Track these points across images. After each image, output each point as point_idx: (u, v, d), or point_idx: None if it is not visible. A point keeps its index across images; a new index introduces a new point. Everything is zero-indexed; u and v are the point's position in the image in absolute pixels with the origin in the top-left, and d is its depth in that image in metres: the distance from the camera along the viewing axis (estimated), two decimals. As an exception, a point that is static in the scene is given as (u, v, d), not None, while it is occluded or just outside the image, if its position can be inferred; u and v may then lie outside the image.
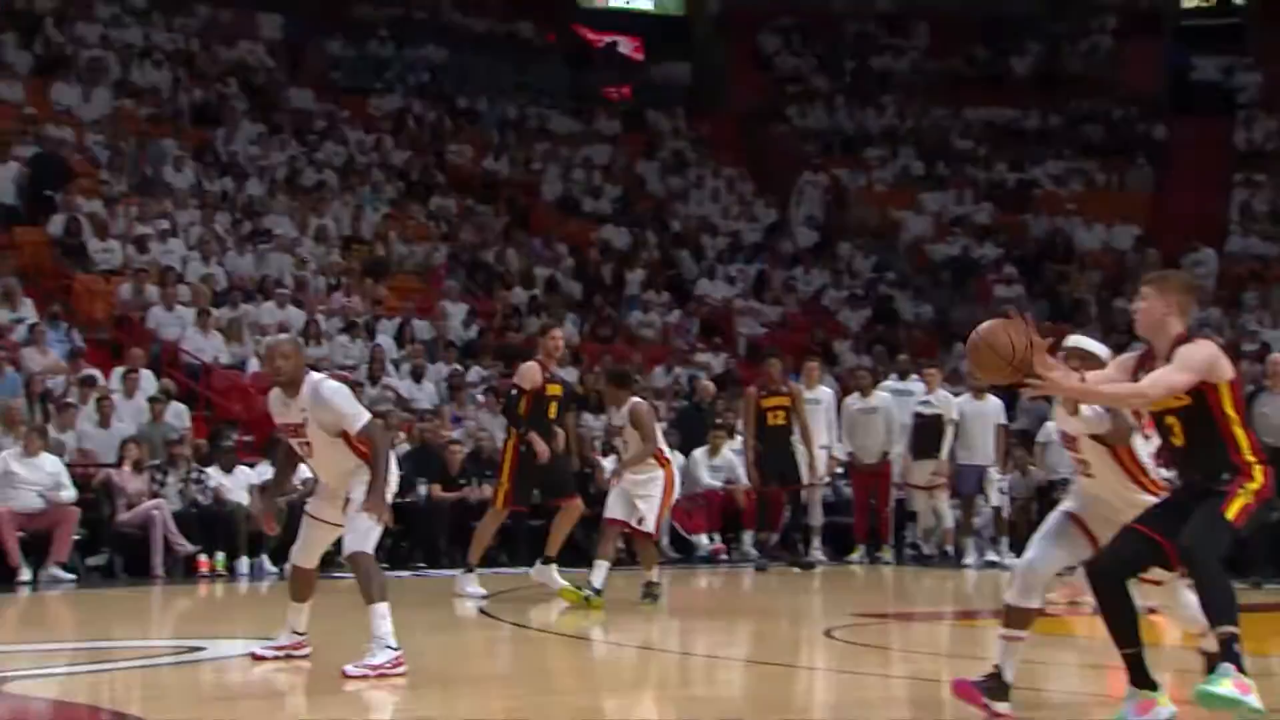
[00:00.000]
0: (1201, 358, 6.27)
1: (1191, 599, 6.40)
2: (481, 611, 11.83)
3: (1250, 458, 6.28)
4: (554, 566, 12.51)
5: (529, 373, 12.30)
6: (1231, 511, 6.15)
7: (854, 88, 31.85)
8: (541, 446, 12.19)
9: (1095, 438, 6.62)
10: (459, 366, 19.99)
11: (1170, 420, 6.35)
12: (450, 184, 26.11)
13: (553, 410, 12.53)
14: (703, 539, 17.20)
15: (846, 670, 9.25)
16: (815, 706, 7.93)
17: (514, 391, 12.43)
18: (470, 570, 12.56)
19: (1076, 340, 6.93)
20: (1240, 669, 5.80)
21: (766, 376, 16.25)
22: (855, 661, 9.53)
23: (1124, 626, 6.36)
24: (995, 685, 6.67)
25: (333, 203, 23.87)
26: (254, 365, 17.90)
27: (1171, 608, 6.90)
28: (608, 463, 16.44)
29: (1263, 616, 11.33)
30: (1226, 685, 5.71)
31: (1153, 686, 6.39)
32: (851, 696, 8.26)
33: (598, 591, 11.74)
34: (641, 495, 12.06)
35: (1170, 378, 6.23)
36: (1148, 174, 29.61)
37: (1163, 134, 30.41)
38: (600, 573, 11.76)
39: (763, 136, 30.97)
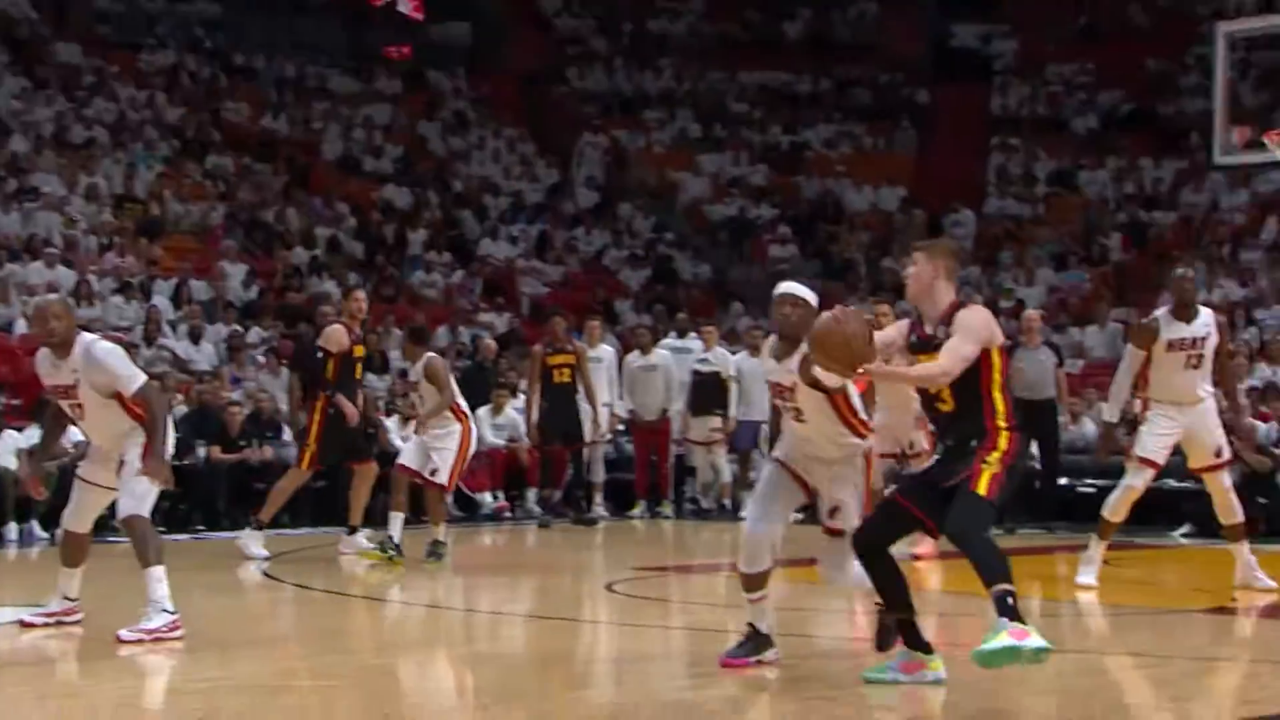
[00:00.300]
0: (980, 324, 6.36)
1: (856, 566, 6.64)
2: (264, 574, 11.60)
3: (1001, 424, 6.33)
4: (360, 534, 12.44)
5: (335, 335, 12.20)
6: (983, 488, 6.20)
7: (632, 50, 31.90)
8: (350, 409, 12.21)
9: (815, 386, 6.62)
10: (238, 327, 19.57)
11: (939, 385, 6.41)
12: (227, 142, 25.50)
13: (358, 372, 12.53)
14: (486, 497, 17.14)
15: (627, 623, 9.30)
16: (597, 659, 7.94)
17: (320, 354, 12.28)
18: (260, 528, 12.35)
19: (789, 287, 6.87)
20: (1018, 619, 5.86)
21: (552, 335, 16.24)
22: (636, 614, 9.59)
23: (895, 593, 6.48)
24: (755, 640, 6.84)
25: (103, 160, 23.17)
26: (21, 327, 17.28)
27: (835, 565, 6.98)
28: (390, 423, 16.33)
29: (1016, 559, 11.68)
30: (1001, 637, 5.78)
31: (926, 650, 6.50)
32: (632, 648, 8.30)
33: (397, 547, 11.78)
34: (437, 448, 12.05)
35: (963, 349, 6.26)
36: (911, 137, 30.23)
37: (925, 99, 31.03)
38: (396, 525, 11.86)
39: (543, 97, 30.88)
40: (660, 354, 17.46)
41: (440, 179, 27.18)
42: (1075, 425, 17.42)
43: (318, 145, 26.89)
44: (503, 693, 6.66)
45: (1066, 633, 8.83)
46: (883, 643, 6.64)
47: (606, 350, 17.34)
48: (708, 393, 17.01)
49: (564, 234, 26.76)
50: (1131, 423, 11.91)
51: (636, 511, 17.25)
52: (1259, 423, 15.71)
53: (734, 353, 17.52)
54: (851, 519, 6.67)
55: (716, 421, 16.97)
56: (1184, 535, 15.13)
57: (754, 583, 6.85)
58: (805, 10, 32.58)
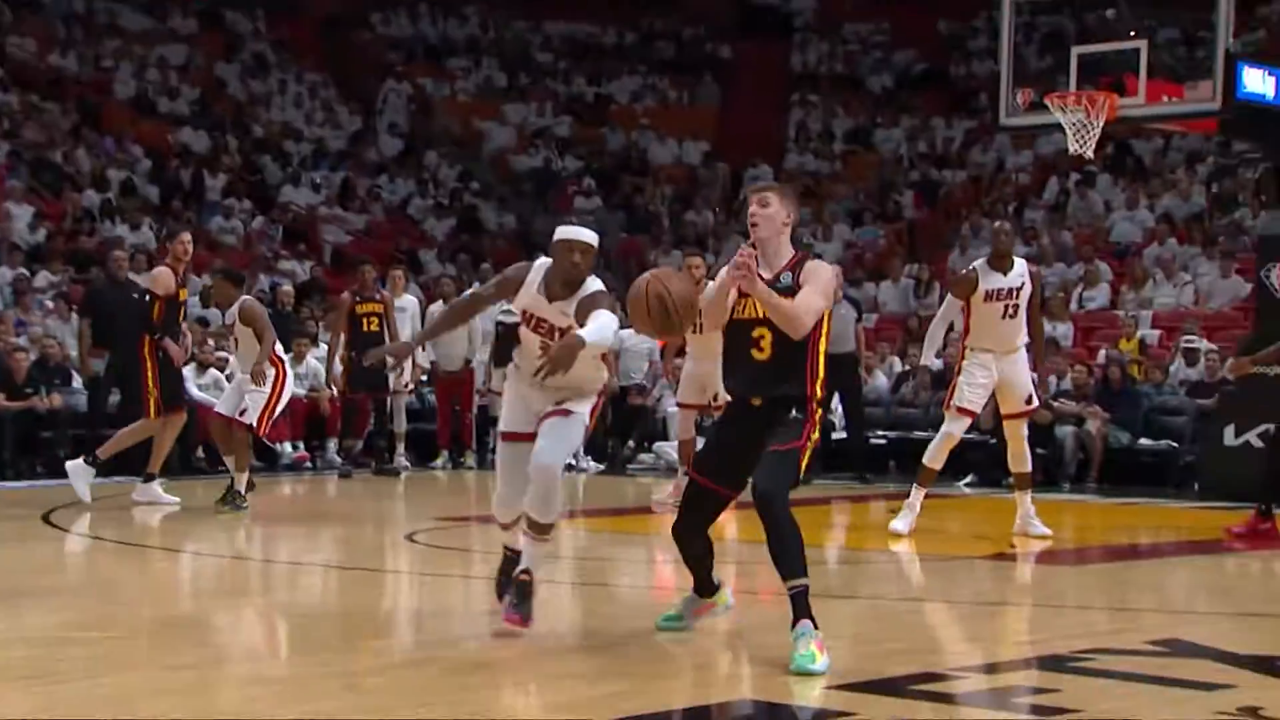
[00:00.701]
0: (828, 279, 6.24)
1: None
2: (51, 523, 11.31)
3: (818, 391, 6.18)
4: (156, 482, 12.25)
5: (163, 278, 11.99)
6: (801, 467, 6.10)
7: (437, -4, 31.65)
8: (176, 350, 12.08)
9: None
10: (25, 271, 19.01)
11: (761, 331, 6.16)
12: (11, 79, 24.66)
13: (183, 316, 12.37)
14: (286, 447, 16.93)
15: (428, 573, 9.28)
16: (398, 610, 7.92)
17: (147, 297, 12.06)
18: (151, 480, 12.24)
19: (576, 233, 6.61)
20: (813, 622, 5.80)
21: (361, 283, 16.07)
22: (436, 564, 9.58)
23: (702, 575, 6.48)
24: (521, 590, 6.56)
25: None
26: None
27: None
28: (188, 371, 16.04)
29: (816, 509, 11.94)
30: (815, 655, 5.67)
31: (714, 591, 6.54)
32: (433, 599, 8.29)
33: (241, 495, 11.96)
34: (249, 390, 11.99)
35: (816, 301, 6.11)
36: (715, 92, 30.48)
37: (728, 54, 31.26)
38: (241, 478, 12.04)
39: (345, 42, 30.42)
40: (464, 304, 17.42)
41: (240, 123, 26.65)
42: (870, 378, 17.79)
43: (109, 84, 26.24)
44: (300, 643, 6.61)
45: (858, 579, 9.04)
46: None
47: (410, 300, 17.25)
48: (511, 344, 16.93)
49: (367, 182, 26.46)
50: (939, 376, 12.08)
51: (439, 462, 17.21)
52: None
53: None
54: (584, 412, 6.59)
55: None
56: (967, 485, 15.57)
57: (539, 530, 6.62)
58: (611, -38, 32.60)
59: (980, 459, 15.62)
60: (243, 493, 11.99)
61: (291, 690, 5.26)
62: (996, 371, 10.59)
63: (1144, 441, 16.19)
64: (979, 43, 28.14)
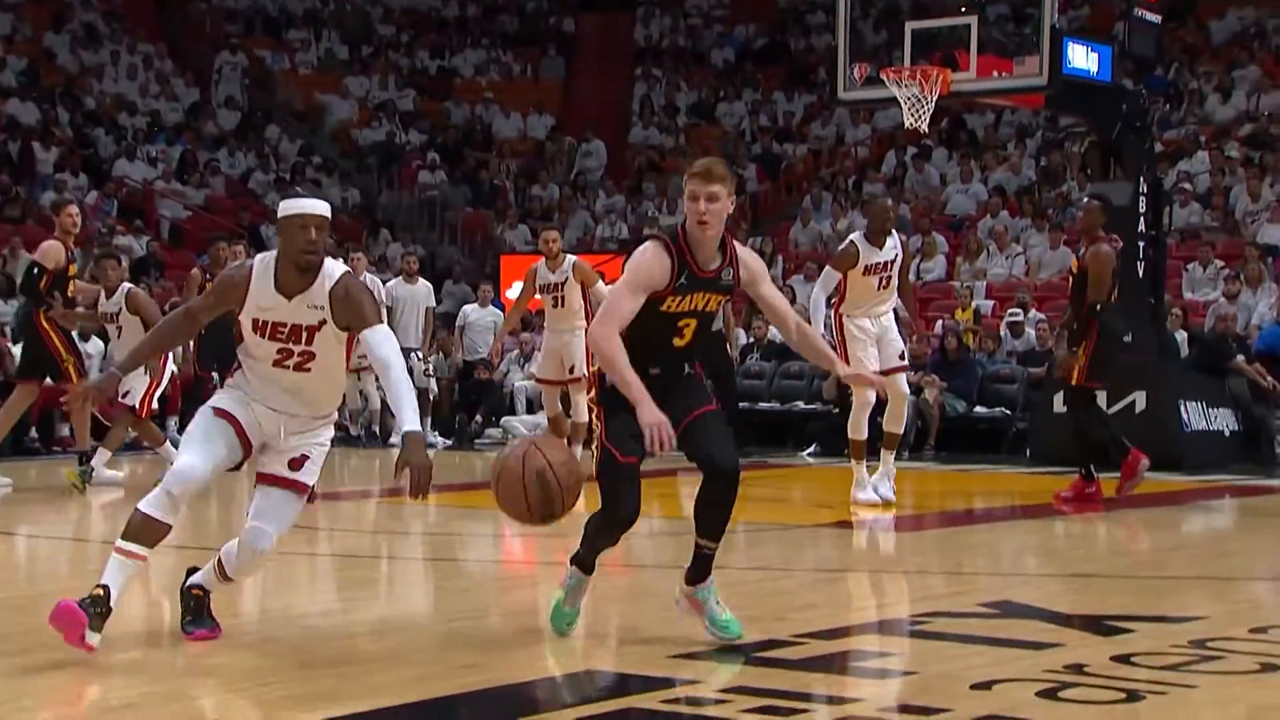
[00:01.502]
0: (762, 261, 6.11)
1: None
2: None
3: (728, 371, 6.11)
4: None
5: (52, 251, 11.83)
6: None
7: (275, -33, 31.14)
8: (70, 322, 11.98)
9: None
10: None
11: (688, 321, 5.84)
12: None
13: (72, 289, 12.09)
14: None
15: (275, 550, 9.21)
16: (241, 587, 7.84)
17: (35, 270, 11.89)
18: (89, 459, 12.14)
19: (312, 206, 5.73)
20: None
21: (212, 259, 15.71)
22: (283, 542, 9.49)
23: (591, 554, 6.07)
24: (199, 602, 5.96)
25: None
26: None
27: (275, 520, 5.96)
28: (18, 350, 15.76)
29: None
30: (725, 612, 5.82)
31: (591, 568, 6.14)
32: (277, 575, 8.24)
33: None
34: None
35: (777, 292, 6.09)
36: (559, 65, 30.38)
37: (571, 27, 31.17)
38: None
39: (180, 13, 29.84)
40: (309, 280, 17.20)
41: (70, 95, 26.03)
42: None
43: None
44: (140, 622, 6.54)
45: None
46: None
47: (373, 281, 16.97)
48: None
49: (205, 155, 26.01)
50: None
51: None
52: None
53: (385, 280, 17.39)
54: (311, 476, 5.88)
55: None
56: (810, 455, 15.79)
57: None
58: (452, -66, 32.33)
59: (822, 430, 15.87)
60: (94, 467, 11.93)
61: (129, 671, 5.20)
62: (873, 333, 10.87)
63: (979, 410, 16.52)
64: (817, 18, 28.39)
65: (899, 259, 10.94)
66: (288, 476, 5.78)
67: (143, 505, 5.49)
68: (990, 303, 19.28)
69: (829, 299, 11.05)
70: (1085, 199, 14.39)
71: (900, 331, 11.15)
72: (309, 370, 5.67)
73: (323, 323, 5.54)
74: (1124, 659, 5.55)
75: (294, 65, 29.28)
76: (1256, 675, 5.39)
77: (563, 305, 12.67)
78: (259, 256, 5.76)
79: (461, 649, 5.82)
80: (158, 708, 4.89)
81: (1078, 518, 10.90)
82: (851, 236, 11.29)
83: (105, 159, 24.78)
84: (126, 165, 24.70)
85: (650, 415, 5.47)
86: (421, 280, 17.28)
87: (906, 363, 11.26)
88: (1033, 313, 17.70)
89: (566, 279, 12.62)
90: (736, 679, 5.38)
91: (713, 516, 5.78)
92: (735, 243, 5.88)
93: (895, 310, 11.16)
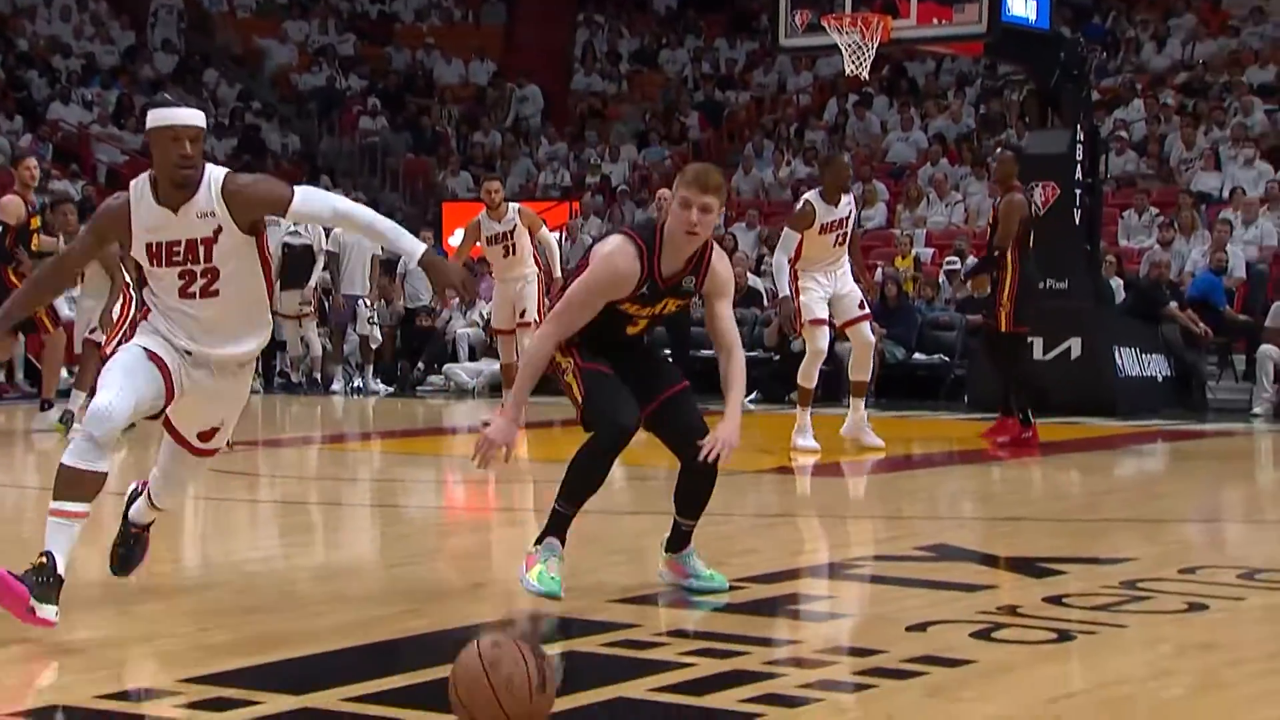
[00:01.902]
0: (731, 280, 5.76)
1: None
2: None
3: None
4: None
5: (12, 206, 11.88)
6: None
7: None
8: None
9: None
10: None
11: (643, 322, 5.74)
12: None
13: (35, 242, 11.99)
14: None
15: (215, 497, 9.18)
16: (184, 533, 7.83)
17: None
18: (49, 406, 12.16)
19: (171, 115, 5.00)
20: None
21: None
22: (223, 488, 9.48)
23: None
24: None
25: None
26: None
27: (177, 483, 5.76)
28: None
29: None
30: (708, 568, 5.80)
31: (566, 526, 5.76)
32: (219, 521, 8.23)
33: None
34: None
35: (730, 314, 5.75)
36: (500, 11, 30.13)
37: None
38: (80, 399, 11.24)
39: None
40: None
41: (3, 36, 25.67)
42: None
43: None
44: (82, 566, 6.52)
45: (644, 495, 9.18)
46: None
47: None
48: (298, 266, 16.73)
49: (142, 100, 25.69)
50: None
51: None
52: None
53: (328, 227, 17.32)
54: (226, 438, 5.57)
55: (307, 294, 16.78)
56: (751, 401, 15.81)
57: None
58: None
59: (762, 376, 15.91)
60: (72, 410, 11.55)
61: (64, 618, 5.16)
62: (828, 286, 10.93)
63: (918, 356, 16.59)
64: (761, -33, 28.31)
65: (852, 215, 11.03)
66: (198, 446, 5.44)
67: (66, 458, 4.90)
68: (930, 250, 19.35)
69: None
70: (999, 150, 14.48)
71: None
72: (217, 294, 5.05)
73: (218, 230, 4.98)
74: (1055, 600, 5.62)
75: (232, 8, 28.97)
76: (1184, 614, 5.48)
77: (514, 254, 12.60)
78: (134, 181, 5.12)
79: (402, 595, 5.83)
80: (95, 653, 4.87)
81: (1014, 463, 11.00)
82: (807, 196, 11.27)
83: (39, 102, 24.47)
84: (61, 108, 24.39)
85: (498, 430, 5.38)
86: None
87: (868, 311, 11.28)
88: (971, 260, 17.77)
89: (515, 226, 12.56)
90: (676, 622, 5.42)
91: (694, 498, 5.74)
92: (716, 250, 5.59)
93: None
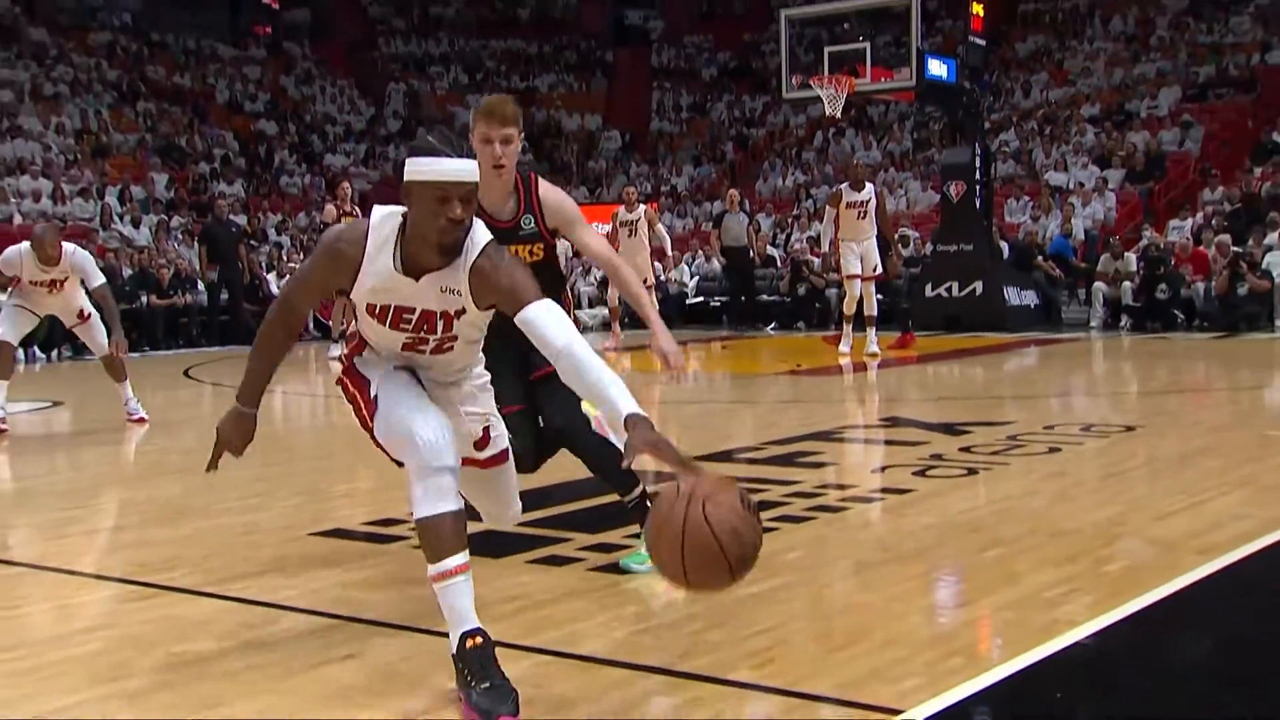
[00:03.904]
0: (574, 208, 3.61)
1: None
2: (186, 375, 10.97)
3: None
4: None
5: (330, 213, 11.39)
6: None
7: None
8: None
9: None
10: (164, 216, 18.57)
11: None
12: (150, 93, 23.45)
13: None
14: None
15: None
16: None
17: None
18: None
19: (439, 170, 2.65)
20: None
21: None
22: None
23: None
24: None
25: (66, 106, 21.33)
26: (17, 220, 16.02)
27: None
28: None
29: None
30: (645, 557, 3.40)
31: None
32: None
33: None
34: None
35: (595, 237, 3.65)
36: (603, 82, 29.70)
37: (610, 57, 30.17)
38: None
39: (362, 58, 29.35)
40: None
41: (296, 115, 25.77)
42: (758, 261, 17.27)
43: (212, 93, 25.21)
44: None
45: (699, 391, 9.05)
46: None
47: None
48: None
49: (380, 149, 25.77)
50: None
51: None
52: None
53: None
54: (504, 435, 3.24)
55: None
56: (771, 329, 15.68)
57: None
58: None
59: (779, 313, 15.78)
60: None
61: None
62: (858, 251, 10.86)
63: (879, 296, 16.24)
64: (770, 46, 27.67)
65: (872, 200, 10.82)
66: (480, 458, 3.01)
67: (421, 513, 2.59)
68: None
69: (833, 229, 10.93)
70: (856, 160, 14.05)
71: (880, 251, 11.07)
72: (451, 349, 2.84)
73: (461, 311, 2.73)
74: (966, 449, 5.59)
75: (434, 89, 28.89)
76: (1046, 455, 5.44)
77: (634, 235, 12.31)
78: (376, 221, 2.71)
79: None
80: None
81: (941, 362, 10.79)
82: (839, 185, 11.22)
83: (318, 153, 24.60)
84: (330, 157, 24.53)
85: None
86: None
87: (878, 273, 11.07)
88: (913, 232, 17.52)
89: (639, 218, 12.36)
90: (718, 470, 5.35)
91: (599, 472, 3.54)
92: (542, 184, 3.54)
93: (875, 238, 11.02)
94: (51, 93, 21.80)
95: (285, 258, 17.32)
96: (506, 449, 3.04)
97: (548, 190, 3.56)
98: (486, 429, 2.97)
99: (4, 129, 19.75)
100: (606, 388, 2.53)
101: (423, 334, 2.76)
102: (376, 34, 29.90)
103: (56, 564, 3.96)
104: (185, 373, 11.42)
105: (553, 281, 3.34)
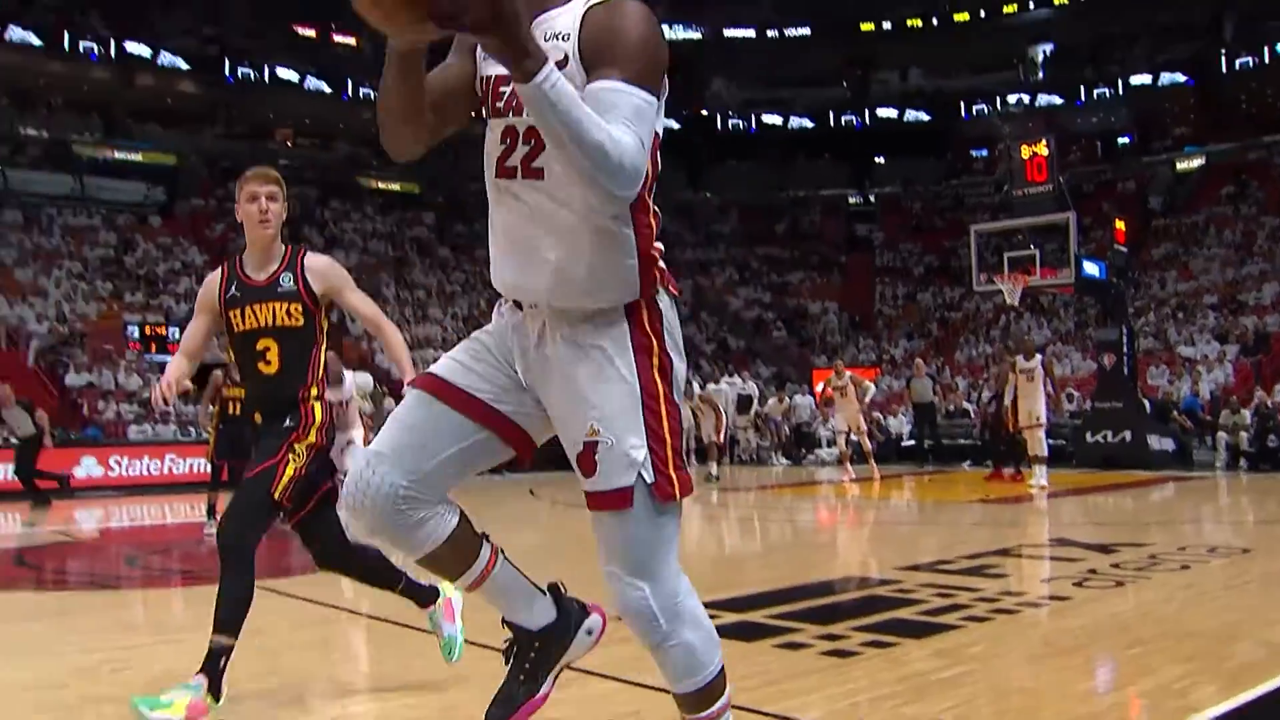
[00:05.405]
0: (345, 272, 2.74)
1: None
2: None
3: (315, 392, 2.66)
4: None
5: None
6: (280, 489, 2.54)
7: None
8: None
9: None
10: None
11: (267, 343, 2.66)
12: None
13: None
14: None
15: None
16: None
17: None
18: None
19: None
20: (213, 691, 2.42)
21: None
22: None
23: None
24: None
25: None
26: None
27: None
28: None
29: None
30: (173, 708, 2.33)
31: (434, 594, 2.78)
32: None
33: None
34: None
35: (364, 301, 2.69)
36: (837, 278, 29.33)
37: (843, 259, 29.84)
38: None
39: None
40: None
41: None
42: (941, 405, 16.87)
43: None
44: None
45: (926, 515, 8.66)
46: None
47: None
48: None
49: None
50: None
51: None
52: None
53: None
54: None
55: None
56: (968, 466, 14.60)
57: None
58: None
59: (972, 452, 14.97)
60: None
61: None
62: (1028, 407, 10.28)
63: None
64: (963, 250, 26.75)
65: (1039, 369, 10.27)
66: (584, 487, 1.52)
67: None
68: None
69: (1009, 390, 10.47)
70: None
71: (1045, 403, 10.15)
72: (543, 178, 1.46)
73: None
74: (1116, 565, 5.09)
75: (714, 284, 28.76)
76: (1180, 570, 4.83)
77: (845, 395, 11.67)
78: None
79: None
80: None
81: (1100, 495, 9.70)
82: (1015, 356, 10.75)
83: None
84: None
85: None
86: None
87: (1041, 423, 10.12)
88: (1075, 392, 16.28)
89: (846, 384, 11.68)
90: (930, 580, 4.75)
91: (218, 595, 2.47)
92: (309, 252, 2.75)
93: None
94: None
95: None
96: (627, 488, 1.45)
97: (315, 257, 2.73)
98: (592, 444, 1.42)
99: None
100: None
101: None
102: (670, 243, 30.99)
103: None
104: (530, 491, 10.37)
105: (302, 349, 2.59)
